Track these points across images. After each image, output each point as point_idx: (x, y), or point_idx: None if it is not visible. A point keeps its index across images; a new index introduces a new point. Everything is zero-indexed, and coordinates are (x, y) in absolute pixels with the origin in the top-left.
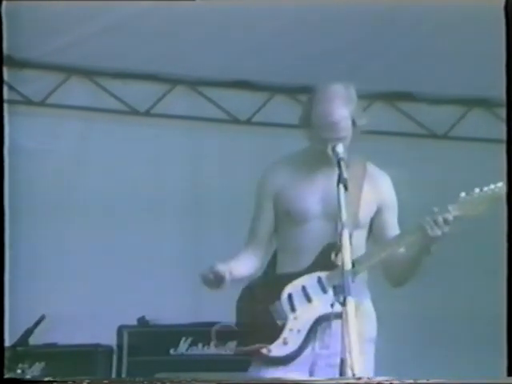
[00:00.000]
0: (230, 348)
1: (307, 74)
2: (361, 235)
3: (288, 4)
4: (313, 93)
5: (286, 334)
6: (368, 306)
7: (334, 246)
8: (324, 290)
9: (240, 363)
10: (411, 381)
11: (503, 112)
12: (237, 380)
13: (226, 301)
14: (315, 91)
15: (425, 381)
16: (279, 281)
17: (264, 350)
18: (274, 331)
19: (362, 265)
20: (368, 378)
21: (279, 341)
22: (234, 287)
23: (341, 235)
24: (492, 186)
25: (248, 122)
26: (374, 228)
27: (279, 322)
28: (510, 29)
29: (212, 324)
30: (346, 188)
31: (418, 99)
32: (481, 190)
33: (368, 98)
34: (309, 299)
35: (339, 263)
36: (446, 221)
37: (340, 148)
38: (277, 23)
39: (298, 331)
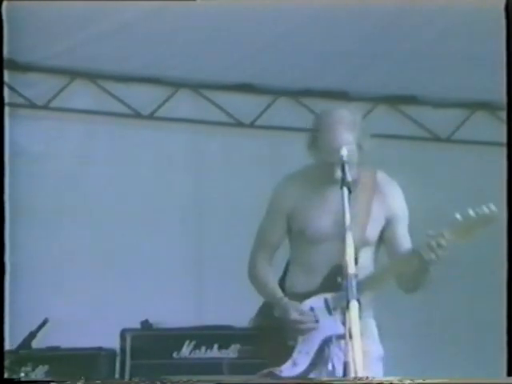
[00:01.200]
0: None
1: (311, 77)
2: (368, 253)
3: (291, 6)
4: (319, 117)
5: (295, 355)
6: (372, 325)
7: (341, 268)
8: (330, 312)
9: (243, 367)
10: (410, 381)
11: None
12: (237, 381)
13: (229, 304)
14: (321, 116)
15: (423, 380)
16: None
17: (276, 371)
18: (285, 352)
19: (365, 289)
20: (367, 378)
21: (289, 362)
22: (235, 290)
23: (344, 239)
24: (486, 210)
25: (251, 125)
26: (385, 240)
27: (290, 343)
28: (510, 29)
29: (215, 327)
30: (349, 191)
31: (422, 102)
32: (476, 215)
33: (371, 101)
34: (316, 321)
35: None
36: (439, 245)
37: (344, 151)
38: (280, 26)
39: (307, 353)
